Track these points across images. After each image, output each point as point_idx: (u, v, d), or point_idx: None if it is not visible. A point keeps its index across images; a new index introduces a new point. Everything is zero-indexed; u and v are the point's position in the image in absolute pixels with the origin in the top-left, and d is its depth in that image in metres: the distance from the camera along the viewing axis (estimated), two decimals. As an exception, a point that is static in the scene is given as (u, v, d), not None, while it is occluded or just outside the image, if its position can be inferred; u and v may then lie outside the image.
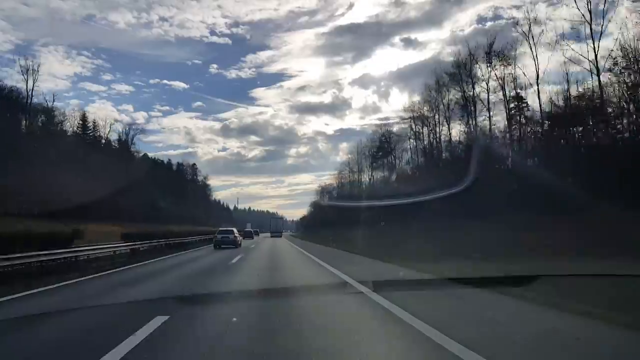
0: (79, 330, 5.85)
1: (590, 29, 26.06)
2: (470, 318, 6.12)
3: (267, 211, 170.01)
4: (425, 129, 42.87)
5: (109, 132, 66.69)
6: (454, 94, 37.56)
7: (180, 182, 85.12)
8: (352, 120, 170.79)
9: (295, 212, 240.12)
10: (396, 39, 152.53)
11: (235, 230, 33.88)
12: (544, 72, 30.31)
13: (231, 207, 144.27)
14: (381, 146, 52.31)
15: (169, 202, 68.45)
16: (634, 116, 24.20)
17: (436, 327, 5.14)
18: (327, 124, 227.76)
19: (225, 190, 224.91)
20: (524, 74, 31.63)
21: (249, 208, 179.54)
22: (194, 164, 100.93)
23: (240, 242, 32.82)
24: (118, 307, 7.79)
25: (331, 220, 53.47)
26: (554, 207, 20.53)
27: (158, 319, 5.83)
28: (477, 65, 34.82)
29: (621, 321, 5.38)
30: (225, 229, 33.78)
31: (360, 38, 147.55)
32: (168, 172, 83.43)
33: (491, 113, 34.66)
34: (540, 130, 30.78)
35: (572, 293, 7.44)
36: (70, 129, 59.69)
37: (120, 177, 52.65)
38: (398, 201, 31.61)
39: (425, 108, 41.65)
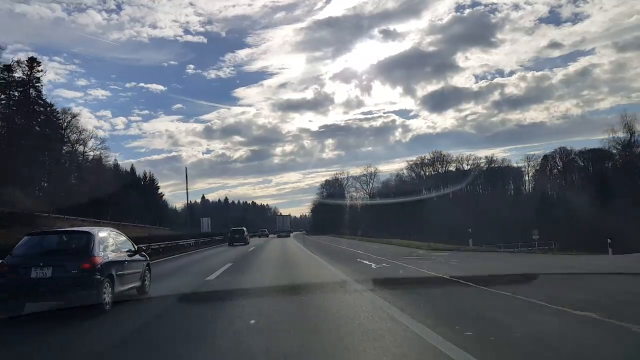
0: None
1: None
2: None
3: (253, 202, 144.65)
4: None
5: None
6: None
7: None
8: (335, 116, 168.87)
9: (286, 212, 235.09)
10: (375, 31, 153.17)
11: None
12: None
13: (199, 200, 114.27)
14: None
15: None
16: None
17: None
18: (311, 121, 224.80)
19: (213, 192, 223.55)
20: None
21: (225, 199, 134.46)
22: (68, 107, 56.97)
23: None
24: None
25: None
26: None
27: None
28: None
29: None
30: None
31: (340, 32, 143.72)
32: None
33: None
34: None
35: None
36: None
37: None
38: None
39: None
